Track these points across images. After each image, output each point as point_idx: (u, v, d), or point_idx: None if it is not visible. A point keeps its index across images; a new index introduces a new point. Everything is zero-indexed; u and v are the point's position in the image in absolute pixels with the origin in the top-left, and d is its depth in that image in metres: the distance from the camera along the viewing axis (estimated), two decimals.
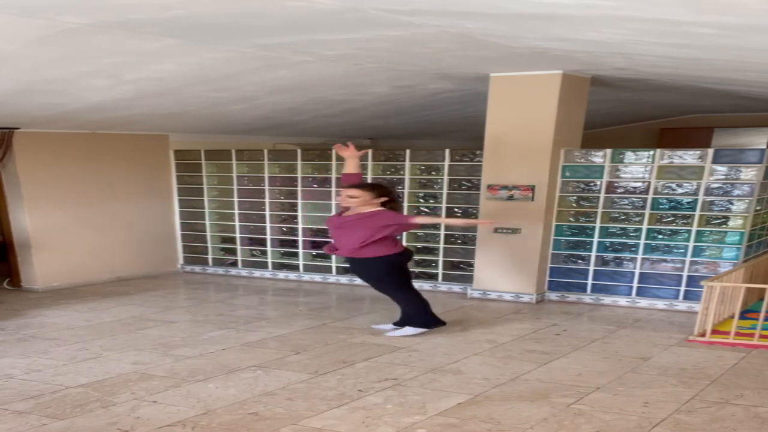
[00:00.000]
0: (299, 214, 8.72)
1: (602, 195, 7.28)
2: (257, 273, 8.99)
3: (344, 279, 8.58)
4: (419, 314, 6.12)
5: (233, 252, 9.15)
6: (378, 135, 11.44)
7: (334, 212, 7.66)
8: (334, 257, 8.66)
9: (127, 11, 4.08)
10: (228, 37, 4.93)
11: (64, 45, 4.71)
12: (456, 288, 8.01)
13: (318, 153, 8.72)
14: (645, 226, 7.18)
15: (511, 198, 7.31)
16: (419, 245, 8.31)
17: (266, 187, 8.81)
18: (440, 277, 8.15)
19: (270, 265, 9.00)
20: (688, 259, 7.08)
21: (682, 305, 7.08)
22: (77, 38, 4.60)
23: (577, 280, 7.49)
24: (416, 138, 11.81)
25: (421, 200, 8.16)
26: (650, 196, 7.12)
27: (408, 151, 8.14)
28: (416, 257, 8.29)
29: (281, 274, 8.92)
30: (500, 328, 6.38)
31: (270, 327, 6.41)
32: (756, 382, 4.84)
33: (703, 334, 5.91)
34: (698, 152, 7.00)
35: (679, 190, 7.07)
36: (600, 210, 7.31)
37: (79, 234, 8.36)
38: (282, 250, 9.01)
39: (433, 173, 8.04)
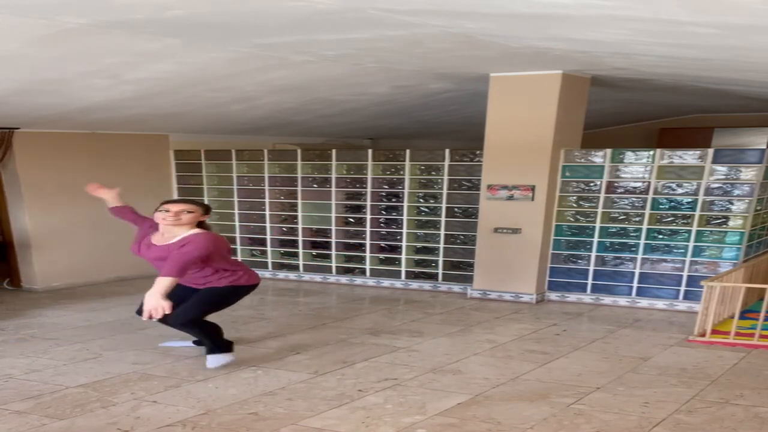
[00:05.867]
0: (299, 214, 8.72)
1: (602, 195, 7.28)
2: (257, 273, 8.97)
3: (344, 279, 8.58)
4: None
5: (233, 252, 9.15)
6: (378, 135, 11.44)
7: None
8: (334, 257, 8.67)
9: (127, 11, 4.08)
10: (228, 37, 4.93)
11: (64, 45, 4.71)
12: (456, 288, 8.01)
13: (318, 153, 8.72)
14: (645, 226, 7.19)
15: (511, 198, 7.32)
16: (419, 245, 8.32)
17: (266, 187, 8.81)
18: (440, 277, 8.15)
19: (270, 265, 9.00)
20: (688, 259, 7.08)
21: (682, 305, 7.08)
22: (77, 38, 4.60)
23: (577, 280, 7.50)
24: (416, 138, 11.81)
25: (421, 200, 8.17)
26: (650, 196, 7.12)
27: (408, 151, 8.15)
28: (416, 257, 8.32)
29: (281, 274, 8.92)
30: (500, 328, 6.38)
31: (270, 327, 6.41)
32: (756, 382, 4.84)
33: (703, 334, 5.91)
34: (698, 152, 7.01)
35: (679, 190, 7.07)
36: (600, 210, 7.32)
37: (79, 234, 8.36)
38: (282, 250, 9.01)
39: (433, 173, 8.04)
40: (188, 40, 4.94)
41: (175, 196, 9.36)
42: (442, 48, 5.42)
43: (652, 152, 7.15)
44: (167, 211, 4.94)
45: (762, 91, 7.96)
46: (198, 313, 5.09)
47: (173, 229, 4.94)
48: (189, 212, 4.97)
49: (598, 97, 8.28)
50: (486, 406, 4.38)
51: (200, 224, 5.09)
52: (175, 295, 4.68)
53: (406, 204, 8.19)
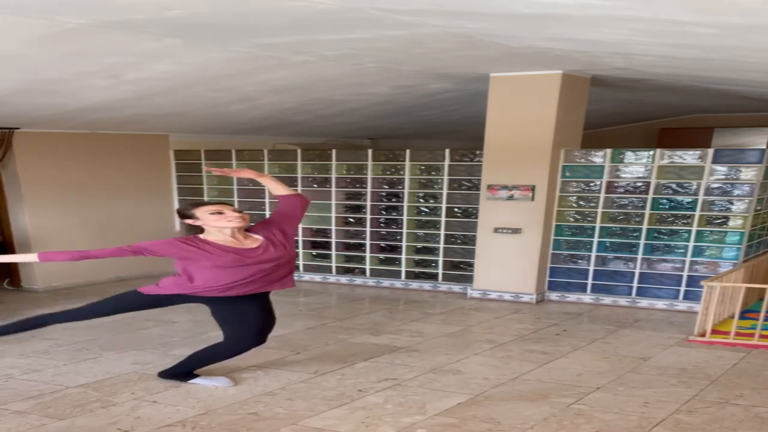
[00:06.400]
0: None
1: (602, 195, 7.28)
2: None
3: (344, 279, 8.58)
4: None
5: None
6: (378, 135, 11.44)
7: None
8: (334, 257, 8.66)
9: (127, 11, 4.08)
10: (228, 37, 4.93)
11: (64, 45, 4.71)
12: (456, 288, 8.01)
13: (318, 153, 8.72)
14: (645, 226, 7.19)
15: (511, 198, 7.31)
16: (419, 245, 8.32)
17: (266, 187, 8.80)
18: (440, 277, 8.16)
19: None
20: (688, 259, 7.08)
21: (682, 305, 7.08)
22: (77, 38, 4.60)
23: (577, 280, 7.50)
24: (416, 138, 11.81)
25: (421, 200, 8.17)
26: (650, 196, 7.12)
27: (408, 151, 8.15)
28: (416, 257, 8.32)
29: None
30: (500, 328, 6.38)
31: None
32: (756, 382, 4.84)
33: (703, 334, 5.91)
34: (698, 152, 7.01)
35: (680, 190, 7.07)
36: (600, 210, 7.32)
37: (79, 234, 8.35)
38: None
39: (433, 173, 8.04)
40: (188, 40, 4.93)
41: (176, 196, 9.37)
42: (442, 48, 5.42)
43: (652, 152, 7.15)
44: (221, 212, 4.48)
45: (762, 91, 7.96)
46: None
47: (238, 230, 4.52)
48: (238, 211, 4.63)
49: (598, 97, 8.28)
50: (486, 406, 4.38)
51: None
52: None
53: (406, 204, 8.19)
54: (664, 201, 7.13)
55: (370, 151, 8.39)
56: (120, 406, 4.39)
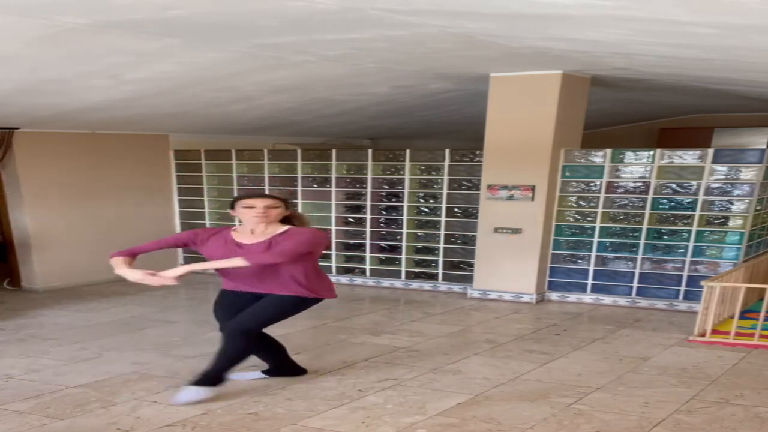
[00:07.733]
0: None
1: (602, 195, 7.28)
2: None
3: (344, 279, 8.58)
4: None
5: None
6: (378, 135, 11.44)
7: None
8: (334, 257, 8.67)
9: (127, 11, 4.08)
10: (228, 37, 4.93)
11: (64, 45, 4.71)
12: (456, 288, 8.01)
13: (318, 153, 8.72)
14: (645, 226, 7.19)
15: (511, 198, 7.32)
16: (419, 245, 8.32)
17: (266, 187, 8.81)
18: (440, 277, 8.15)
19: None
20: (688, 259, 7.09)
21: (682, 305, 7.08)
22: (77, 38, 4.60)
23: (577, 280, 7.50)
24: (416, 138, 11.81)
25: (421, 200, 8.17)
26: (650, 196, 7.12)
27: (408, 151, 8.15)
28: (416, 257, 8.31)
29: None
30: (500, 328, 6.38)
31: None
32: (756, 382, 4.85)
33: (703, 334, 5.91)
34: (698, 152, 7.01)
35: (680, 190, 7.07)
36: (600, 210, 7.32)
37: (79, 234, 8.36)
38: None
39: (433, 173, 8.04)
40: (188, 40, 4.93)
41: (176, 196, 9.37)
42: (442, 48, 5.42)
43: (652, 152, 7.15)
44: (253, 206, 4.48)
45: (762, 91, 7.96)
46: (255, 325, 4.62)
47: (260, 225, 4.49)
48: (274, 207, 4.51)
49: (598, 97, 8.28)
50: (486, 406, 4.38)
51: (287, 219, 4.61)
52: (231, 303, 4.66)
53: (406, 204, 8.20)
54: (664, 201, 7.13)
55: (370, 151, 8.39)
56: (120, 406, 4.39)
